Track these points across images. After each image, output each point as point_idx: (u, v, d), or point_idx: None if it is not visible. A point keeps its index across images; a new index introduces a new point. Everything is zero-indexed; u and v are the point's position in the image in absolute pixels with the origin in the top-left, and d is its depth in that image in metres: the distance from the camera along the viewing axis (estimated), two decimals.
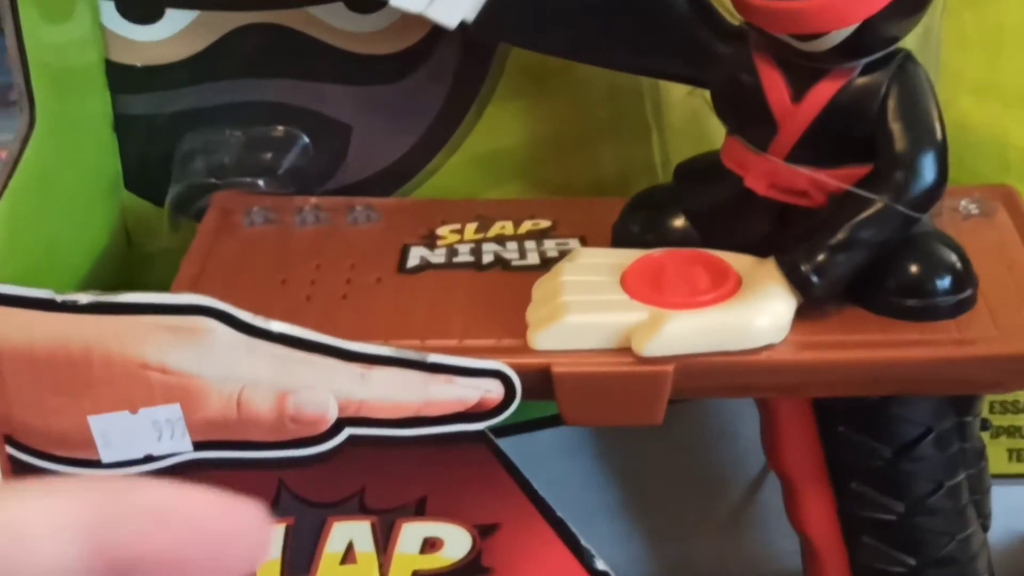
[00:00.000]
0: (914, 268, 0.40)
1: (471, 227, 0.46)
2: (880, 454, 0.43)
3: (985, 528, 0.46)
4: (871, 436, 0.43)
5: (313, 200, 0.47)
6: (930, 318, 0.40)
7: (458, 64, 0.48)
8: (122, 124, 0.49)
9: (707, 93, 0.42)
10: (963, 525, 0.44)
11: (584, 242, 0.45)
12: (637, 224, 0.44)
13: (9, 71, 0.88)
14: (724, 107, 0.42)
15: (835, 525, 0.45)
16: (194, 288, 0.43)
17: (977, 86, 0.47)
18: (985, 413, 0.51)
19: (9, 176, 0.41)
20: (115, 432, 0.39)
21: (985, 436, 0.47)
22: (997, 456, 0.52)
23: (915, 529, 0.44)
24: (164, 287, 0.45)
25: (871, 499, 0.44)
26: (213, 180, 0.48)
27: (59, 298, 0.38)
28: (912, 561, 0.44)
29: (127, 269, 0.50)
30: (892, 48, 0.39)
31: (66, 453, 0.40)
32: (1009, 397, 0.52)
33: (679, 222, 0.43)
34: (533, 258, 0.44)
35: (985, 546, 0.46)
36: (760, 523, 0.53)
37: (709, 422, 0.52)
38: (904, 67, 0.40)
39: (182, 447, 0.40)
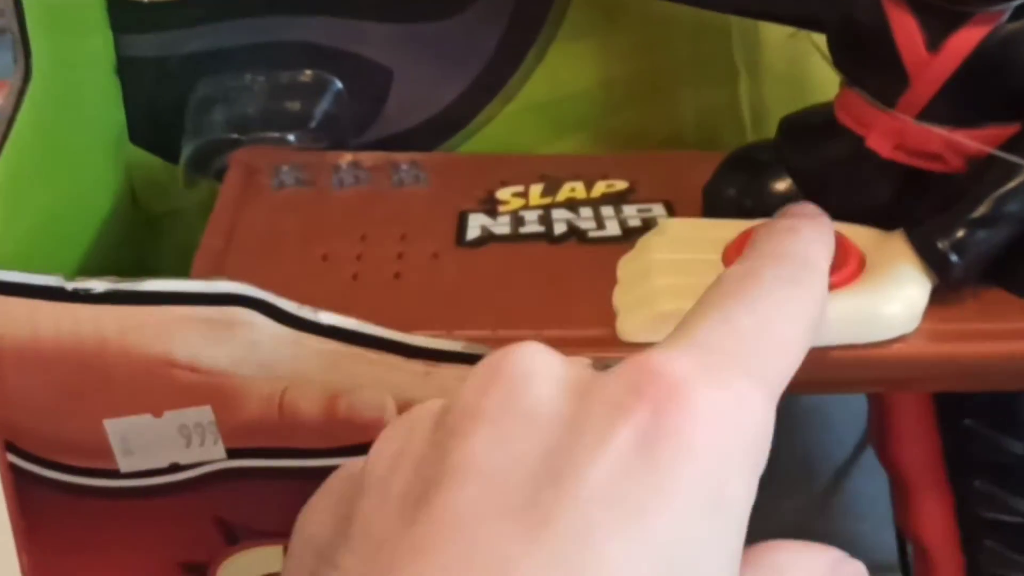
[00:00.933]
0: None
1: (536, 189, 0.42)
2: (1010, 450, 0.40)
3: None
4: (1001, 430, 0.40)
5: (350, 156, 0.43)
6: None
7: None
8: (126, 68, 0.46)
9: (817, 36, 0.38)
10: None
11: (670, 208, 0.41)
12: (734, 187, 0.39)
13: None
14: (844, 54, 0.37)
15: (953, 526, 0.42)
16: (221, 267, 0.39)
17: None
18: None
19: (4, 137, 0.36)
20: (135, 438, 0.36)
21: None
22: None
23: None
24: (177, 252, 0.43)
25: (996, 499, 0.41)
26: (235, 135, 0.44)
27: (70, 286, 0.34)
28: None
29: (134, 232, 0.47)
30: None
31: (78, 462, 0.36)
32: None
33: (783, 185, 0.39)
34: (613, 228, 0.40)
35: None
36: (850, 513, 0.50)
37: (800, 398, 0.49)
38: None
39: (214, 455, 0.36)
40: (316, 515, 0.30)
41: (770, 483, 0.49)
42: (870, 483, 0.44)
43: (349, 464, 0.30)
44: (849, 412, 0.43)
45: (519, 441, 0.26)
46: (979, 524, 0.41)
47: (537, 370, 0.27)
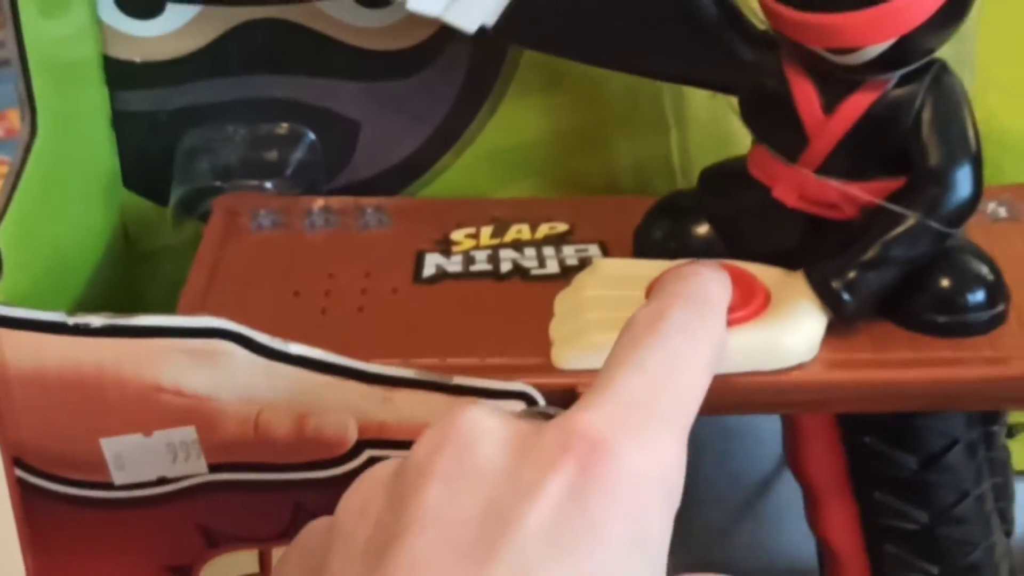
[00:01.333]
0: (946, 283, 0.40)
1: (487, 231, 0.45)
2: (906, 465, 0.43)
3: (1008, 535, 0.46)
4: (897, 447, 0.43)
5: (322, 201, 0.46)
6: (962, 334, 0.40)
7: (471, 59, 0.48)
8: (121, 121, 0.49)
9: (731, 99, 0.42)
10: (987, 533, 0.44)
11: (604, 248, 0.44)
12: (660, 231, 0.43)
13: None
14: (752, 115, 0.41)
15: (858, 534, 0.45)
16: (204, 301, 0.42)
17: (1006, 83, 0.47)
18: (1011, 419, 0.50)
19: (13, 189, 0.40)
20: (128, 455, 0.39)
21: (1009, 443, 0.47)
22: (1019, 455, 0.52)
23: (939, 538, 0.44)
24: (165, 286, 0.45)
25: (895, 509, 0.44)
26: (218, 182, 0.47)
27: (71, 321, 0.37)
28: (935, 570, 0.44)
29: (127, 268, 0.50)
30: (928, 59, 0.38)
31: (77, 476, 0.39)
32: None
33: (703, 230, 0.42)
34: (553, 266, 0.43)
35: (1008, 553, 0.45)
36: (776, 520, 0.53)
37: (728, 419, 0.52)
38: (939, 79, 0.39)
39: (197, 469, 0.39)
40: (289, 567, 0.33)
41: (700, 492, 0.53)
42: (795, 493, 0.48)
43: (316, 522, 0.33)
44: (775, 427, 0.47)
45: (468, 494, 0.29)
46: (881, 531, 0.44)
47: (482, 432, 0.31)
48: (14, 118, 0.74)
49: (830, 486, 0.44)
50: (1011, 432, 0.45)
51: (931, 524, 0.43)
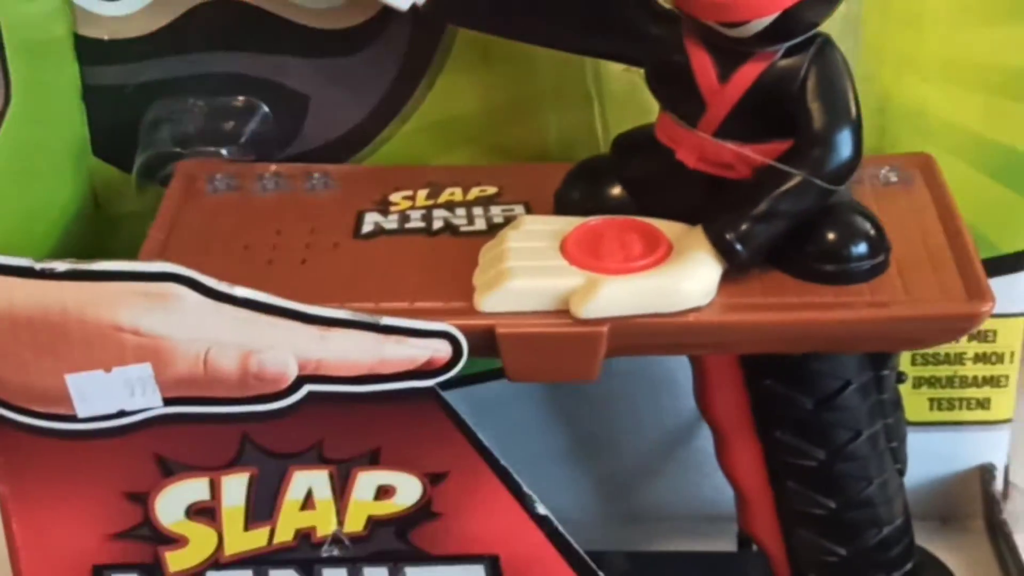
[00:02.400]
0: (831, 235, 0.43)
1: (422, 194, 0.49)
2: (803, 405, 0.46)
3: (901, 473, 0.49)
4: (794, 388, 0.46)
5: (273, 167, 0.50)
6: (845, 282, 0.43)
7: (410, 38, 0.51)
8: (90, 94, 0.52)
9: (642, 71, 0.45)
10: (880, 470, 0.48)
11: (529, 208, 0.48)
12: (578, 192, 0.46)
13: None
14: (657, 85, 0.44)
15: (762, 471, 0.48)
16: (162, 254, 0.46)
17: (899, 60, 0.50)
18: (906, 365, 0.54)
19: None
20: (90, 389, 0.42)
21: (906, 385, 0.50)
22: (919, 405, 0.56)
23: (835, 474, 0.47)
24: (131, 248, 0.47)
25: (795, 447, 0.47)
26: (178, 149, 0.50)
27: (38, 266, 0.41)
28: (833, 504, 0.48)
29: (96, 231, 0.53)
30: (812, 33, 0.42)
31: (44, 408, 0.43)
32: (930, 350, 0.55)
33: (616, 191, 0.46)
34: (480, 224, 0.47)
35: (901, 490, 0.49)
36: (696, 467, 0.57)
37: (648, 371, 0.55)
38: (823, 50, 0.42)
39: (153, 403, 0.42)
40: None
41: (624, 442, 0.57)
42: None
43: None
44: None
45: None
46: (782, 468, 0.47)
47: None
48: None
49: (735, 427, 0.48)
50: (900, 377, 0.49)
51: (828, 461, 0.47)
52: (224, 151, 0.50)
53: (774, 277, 0.44)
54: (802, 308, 0.43)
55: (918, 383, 0.55)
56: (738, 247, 0.42)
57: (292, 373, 0.42)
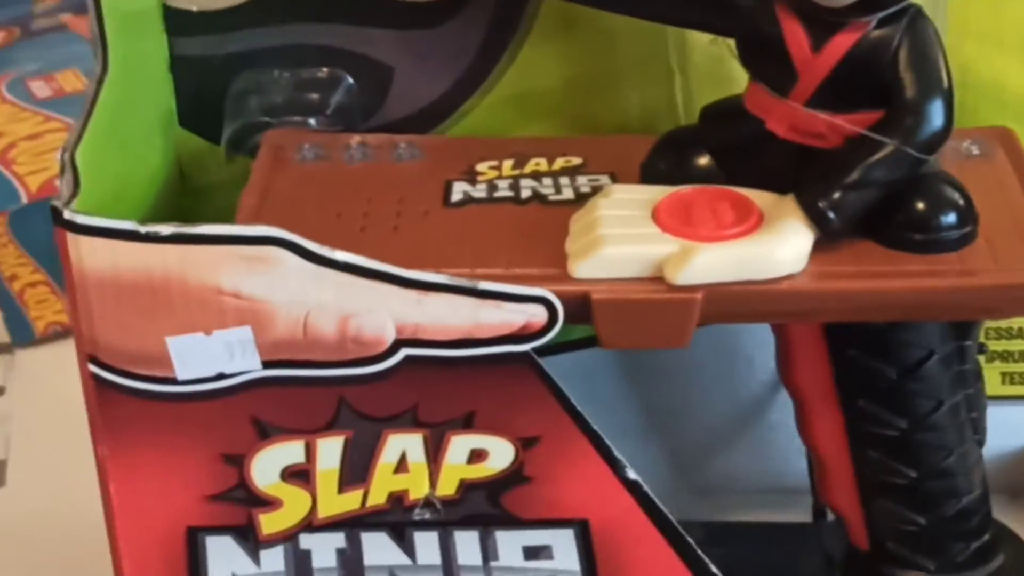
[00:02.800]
0: (921, 205, 0.44)
1: (508, 164, 0.49)
2: (886, 375, 0.47)
3: (980, 444, 0.50)
4: (878, 358, 0.47)
5: (359, 137, 0.50)
6: (935, 251, 0.44)
7: (494, 10, 0.51)
8: (178, 65, 0.52)
9: (730, 42, 0.46)
10: (960, 440, 0.48)
11: (614, 178, 0.48)
12: (665, 162, 0.47)
13: (25, 2, 0.91)
14: (748, 56, 0.45)
15: (843, 440, 0.49)
16: (256, 220, 0.46)
17: (980, 33, 0.51)
18: (981, 338, 0.54)
19: (87, 117, 0.44)
20: (190, 352, 0.43)
21: (981, 360, 0.51)
22: (992, 379, 0.56)
23: (917, 444, 0.48)
24: (217, 217, 0.47)
25: (877, 416, 0.48)
26: (266, 119, 0.51)
27: (143, 229, 0.41)
28: (913, 473, 0.48)
29: (181, 201, 0.53)
30: (904, 4, 0.43)
31: (145, 371, 0.43)
32: (1004, 324, 0.56)
33: (704, 160, 0.46)
34: (568, 193, 0.48)
35: (980, 461, 0.50)
36: (769, 440, 0.57)
37: (726, 346, 0.56)
38: (915, 21, 0.43)
39: (252, 366, 0.43)
40: None
41: (696, 413, 0.57)
42: (786, 415, 0.51)
43: None
44: (768, 352, 0.51)
45: None
46: (863, 437, 0.48)
47: None
48: (63, 79, 0.78)
49: (818, 396, 0.48)
50: (981, 349, 0.49)
51: (909, 430, 0.48)
52: (311, 121, 0.51)
53: (864, 246, 0.44)
54: (893, 276, 0.43)
55: (991, 357, 0.56)
56: (831, 215, 0.43)
57: (390, 337, 0.43)
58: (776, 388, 0.54)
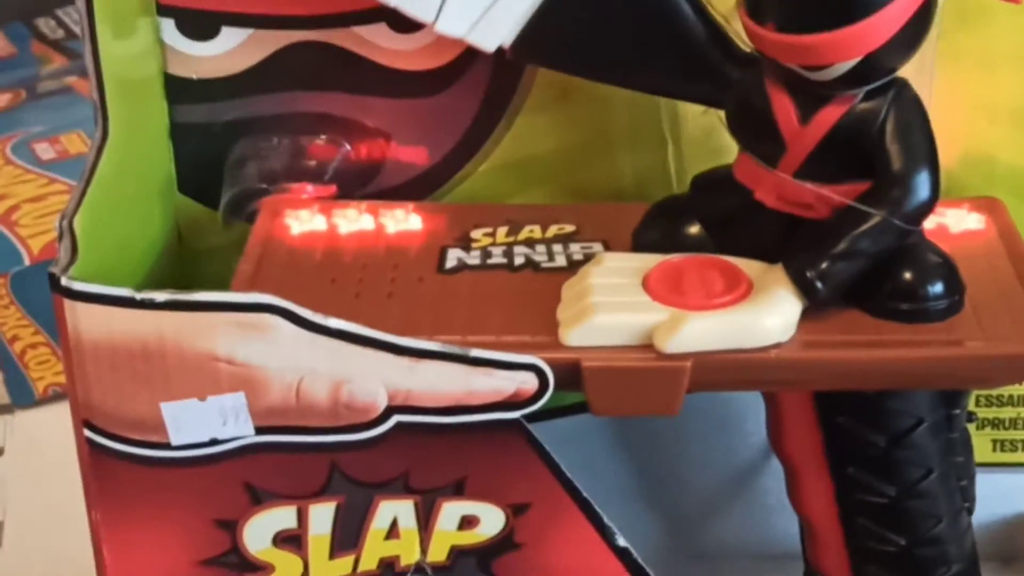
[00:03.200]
0: (908, 275, 0.44)
1: (502, 231, 0.50)
2: (876, 442, 0.47)
3: (970, 512, 0.50)
4: (868, 426, 0.47)
5: (355, 204, 0.51)
6: (922, 320, 0.44)
7: (490, 79, 0.52)
8: (177, 132, 0.53)
9: (721, 112, 0.46)
10: (950, 508, 0.48)
11: (607, 246, 0.49)
12: (657, 231, 0.48)
13: (31, 64, 0.92)
14: (737, 126, 0.46)
15: (833, 507, 0.49)
16: (252, 286, 0.47)
17: (970, 105, 0.51)
18: (971, 406, 0.55)
19: (87, 184, 0.45)
20: (185, 417, 0.43)
21: (971, 427, 0.51)
22: (983, 446, 0.56)
23: (906, 511, 0.48)
24: (214, 283, 0.48)
25: (866, 483, 0.48)
26: (264, 186, 0.51)
27: (138, 296, 0.42)
28: (903, 541, 0.48)
29: (180, 266, 0.54)
30: (890, 77, 0.43)
31: (139, 436, 0.44)
32: (994, 392, 0.56)
33: (695, 230, 0.47)
34: (561, 260, 0.48)
35: (970, 528, 0.50)
36: (761, 506, 0.57)
37: (717, 412, 0.56)
38: (901, 94, 0.44)
39: (245, 431, 0.43)
40: None
41: (689, 480, 0.58)
42: (778, 483, 0.51)
43: None
44: (759, 420, 0.51)
45: None
46: (854, 505, 0.48)
47: None
48: (67, 141, 0.79)
49: (808, 463, 0.48)
50: (970, 417, 0.49)
51: (899, 498, 0.48)
52: (309, 188, 0.52)
53: (852, 315, 0.45)
54: (880, 345, 0.44)
55: (982, 424, 0.56)
56: (818, 284, 0.43)
57: (382, 403, 0.43)
58: (768, 454, 0.54)
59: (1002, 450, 0.57)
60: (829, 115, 0.44)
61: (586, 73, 0.47)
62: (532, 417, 0.44)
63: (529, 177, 0.53)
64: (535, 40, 0.46)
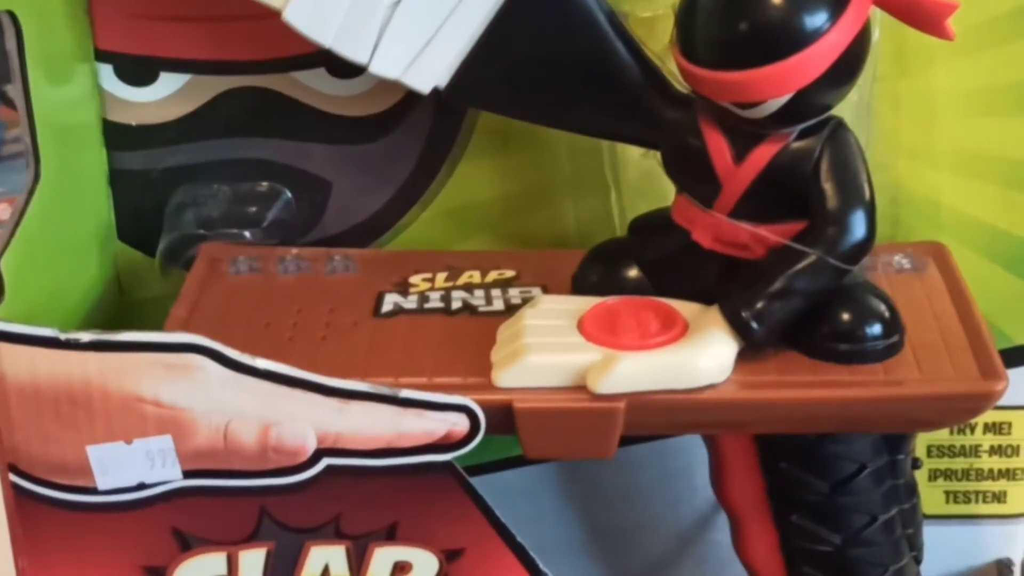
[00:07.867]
0: (846, 316, 0.44)
1: (441, 276, 0.49)
2: (818, 489, 0.47)
3: (918, 561, 0.49)
4: (810, 472, 0.46)
5: (295, 250, 0.51)
6: (860, 361, 0.44)
7: (431, 125, 0.52)
8: (116, 178, 0.53)
9: (659, 154, 0.46)
10: (896, 557, 0.48)
11: (546, 290, 0.48)
12: (595, 274, 0.47)
13: None
14: (673, 167, 0.46)
15: (777, 556, 0.48)
16: (184, 330, 0.46)
17: (911, 150, 0.51)
18: (922, 457, 0.54)
19: (16, 225, 0.45)
20: (111, 461, 0.42)
21: (922, 478, 0.50)
22: (934, 498, 0.56)
23: (851, 560, 0.47)
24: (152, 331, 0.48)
25: (810, 531, 0.47)
26: (202, 232, 0.51)
27: (62, 336, 0.41)
28: None
29: (119, 315, 0.53)
30: (825, 115, 0.43)
31: (65, 480, 0.43)
32: (946, 442, 0.55)
33: (633, 272, 0.47)
34: (498, 304, 0.48)
35: None
36: (711, 560, 0.57)
37: (663, 464, 0.56)
38: (835, 133, 0.43)
39: (172, 475, 0.43)
40: None
41: (640, 533, 0.57)
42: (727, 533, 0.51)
43: None
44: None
45: None
46: (798, 553, 0.47)
47: None
48: None
49: (751, 511, 0.48)
50: (916, 463, 0.49)
51: (843, 546, 0.47)
52: (247, 234, 0.51)
53: (789, 356, 0.44)
54: (817, 386, 0.43)
55: (934, 475, 0.56)
56: (753, 325, 0.43)
57: (311, 446, 0.42)
58: (717, 508, 0.54)
59: (955, 502, 0.56)
60: (763, 154, 0.43)
61: (522, 115, 0.47)
62: (478, 469, 0.43)
63: (471, 224, 0.53)
64: (470, 81, 0.45)
